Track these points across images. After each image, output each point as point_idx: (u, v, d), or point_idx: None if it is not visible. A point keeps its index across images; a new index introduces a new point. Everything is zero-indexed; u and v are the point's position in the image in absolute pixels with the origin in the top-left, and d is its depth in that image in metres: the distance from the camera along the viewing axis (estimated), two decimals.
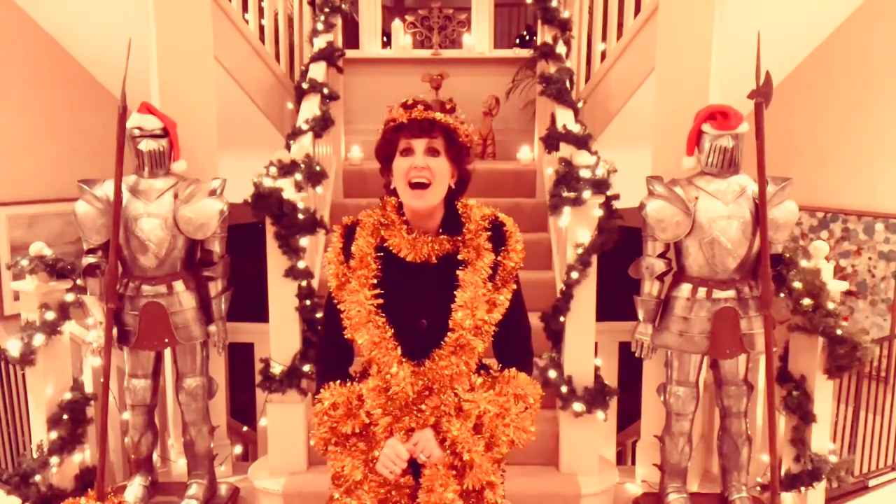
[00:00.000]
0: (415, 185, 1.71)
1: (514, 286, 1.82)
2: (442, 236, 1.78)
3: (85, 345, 3.18)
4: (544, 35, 4.38)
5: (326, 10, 4.36)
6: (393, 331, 1.72)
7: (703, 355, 2.86)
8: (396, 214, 1.81)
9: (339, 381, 1.79)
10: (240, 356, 3.39)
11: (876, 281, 4.64)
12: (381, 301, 1.73)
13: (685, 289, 2.81)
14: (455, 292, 1.72)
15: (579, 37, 4.54)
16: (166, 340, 2.87)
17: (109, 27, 4.08)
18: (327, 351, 1.90)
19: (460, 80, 4.99)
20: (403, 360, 1.71)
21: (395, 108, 1.77)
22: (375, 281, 1.75)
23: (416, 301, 1.75)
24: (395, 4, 8.19)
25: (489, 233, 1.79)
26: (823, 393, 2.93)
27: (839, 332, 2.79)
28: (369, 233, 1.80)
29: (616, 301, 3.22)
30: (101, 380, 2.78)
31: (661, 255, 2.87)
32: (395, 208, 1.82)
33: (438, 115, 1.74)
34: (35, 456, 2.95)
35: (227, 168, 3.25)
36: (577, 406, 3.00)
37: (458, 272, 1.75)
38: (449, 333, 1.70)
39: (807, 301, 2.79)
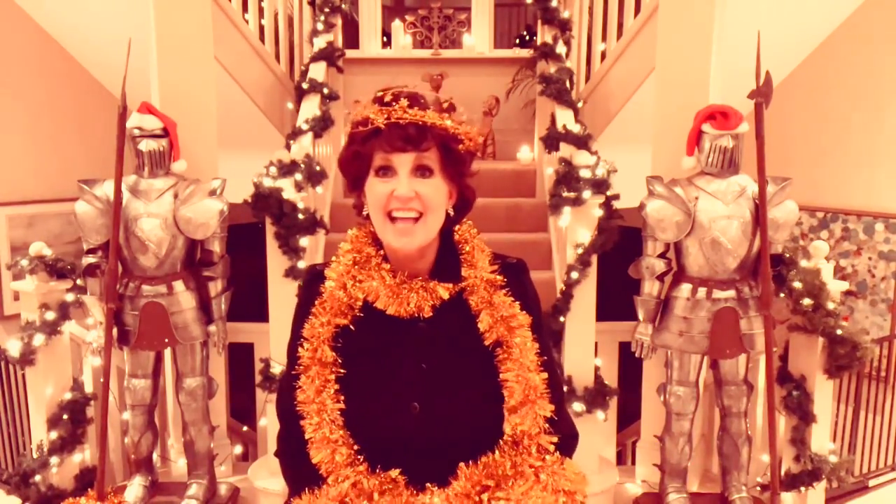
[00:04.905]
0: (398, 218, 1.18)
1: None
2: (436, 283, 1.23)
3: (85, 345, 3.18)
4: (544, 35, 4.38)
5: (326, 10, 4.37)
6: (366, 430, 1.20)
7: (703, 355, 2.86)
8: (373, 247, 1.25)
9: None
10: (240, 356, 3.39)
11: (876, 281, 4.64)
12: (341, 371, 1.21)
13: (685, 289, 2.80)
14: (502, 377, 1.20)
15: (579, 37, 4.55)
16: (166, 340, 2.87)
17: (109, 27, 4.08)
18: (289, 439, 1.27)
19: (460, 80, 4.99)
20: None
21: (366, 105, 1.19)
22: (339, 343, 1.22)
23: (403, 374, 1.21)
24: (395, 4, 8.22)
25: (503, 277, 1.26)
26: (823, 393, 2.93)
27: (839, 332, 2.79)
28: (342, 273, 1.25)
29: (616, 301, 3.22)
30: (101, 380, 2.78)
31: (661, 255, 2.87)
32: (369, 238, 1.26)
33: (430, 116, 1.16)
34: (35, 456, 2.95)
35: (227, 168, 3.25)
36: (577, 406, 3.00)
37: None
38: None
39: (807, 301, 2.79)
